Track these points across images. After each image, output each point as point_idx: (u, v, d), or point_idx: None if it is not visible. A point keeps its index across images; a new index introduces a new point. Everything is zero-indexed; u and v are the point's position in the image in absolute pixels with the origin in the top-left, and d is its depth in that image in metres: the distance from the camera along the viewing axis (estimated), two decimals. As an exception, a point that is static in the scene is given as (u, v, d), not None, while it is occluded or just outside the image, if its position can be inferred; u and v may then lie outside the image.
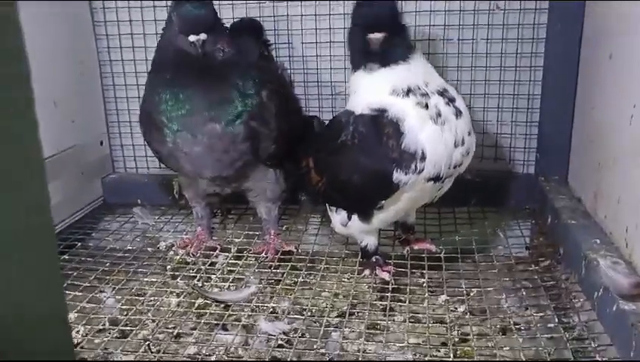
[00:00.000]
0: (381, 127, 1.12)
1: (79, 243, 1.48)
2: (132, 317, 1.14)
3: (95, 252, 1.43)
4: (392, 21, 1.16)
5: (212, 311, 1.16)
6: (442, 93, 1.15)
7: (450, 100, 1.16)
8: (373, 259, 1.30)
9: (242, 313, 1.15)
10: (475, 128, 1.54)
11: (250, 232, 1.51)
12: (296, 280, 1.28)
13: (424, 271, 1.31)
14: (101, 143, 1.75)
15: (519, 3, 1.51)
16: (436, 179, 1.15)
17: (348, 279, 1.29)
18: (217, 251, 1.42)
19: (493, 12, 1.53)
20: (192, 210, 1.49)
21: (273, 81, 1.32)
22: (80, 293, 1.22)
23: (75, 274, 1.30)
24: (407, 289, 1.23)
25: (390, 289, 1.23)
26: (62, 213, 1.54)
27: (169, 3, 1.61)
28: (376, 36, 1.13)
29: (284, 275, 1.31)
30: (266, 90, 1.27)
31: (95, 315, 1.15)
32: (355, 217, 1.24)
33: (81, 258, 1.39)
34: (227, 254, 1.40)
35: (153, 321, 1.14)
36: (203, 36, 1.19)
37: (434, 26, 1.57)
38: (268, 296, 1.23)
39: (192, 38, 1.18)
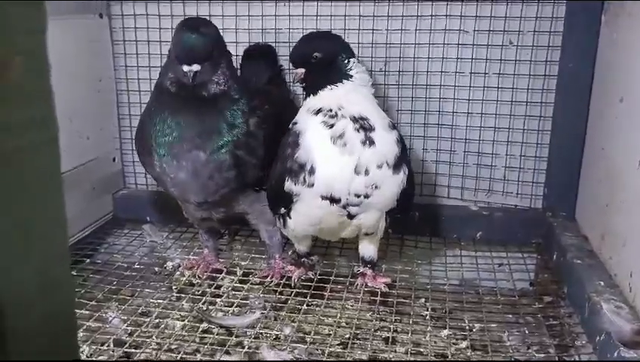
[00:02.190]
0: (288, 137, 1.23)
1: (88, 260, 1.50)
2: (136, 339, 1.15)
3: (103, 269, 1.45)
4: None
5: (216, 336, 1.17)
6: (357, 119, 1.20)
7: (365, 128, 1.19)
8: (302, 261, 1.41)
9: (245, 338, 1.16)
10: (480, 161, 1.60)
11: (257, 255, 1.53)
12: (300, 307, 1.29)
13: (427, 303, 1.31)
14: (114, 160, 1.78)
15: (532, 39, 1.52)
16: (334, 200, 1.19)
17: (352, 306, 1.30)
18: (223, 274, 1.43)
19: (507, 47, 1.55)
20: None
21: (266, 108, 1.32)
22: (86, 311, 1.24)
23: (82, 291, 1.32)
24: (410, 321, 1.23)
25: (393, 319, 1.24)
26: (72, 228, 1.55)
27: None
28: (297, 72, 1.29)
29: (289, 300, 1.31)
30: (255, 117, 1.28)
31: (100, 335, 1.16)
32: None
33: (89, 274, 1.41)
34: (233, 277, 1.42)
35: (157, 343, 1.15)
36: (195, 67, 1.19)
37: (446, 58, 1.58)
38: (271, 319, 1.24)
39: (185, 68, 1.20)
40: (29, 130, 0.39)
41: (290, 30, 1.64)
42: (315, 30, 1.57)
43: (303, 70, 1.29)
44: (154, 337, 1.16)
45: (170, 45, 1.27)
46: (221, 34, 1.30)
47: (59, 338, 0.44)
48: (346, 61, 1.27)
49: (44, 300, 0.42)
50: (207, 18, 1.65)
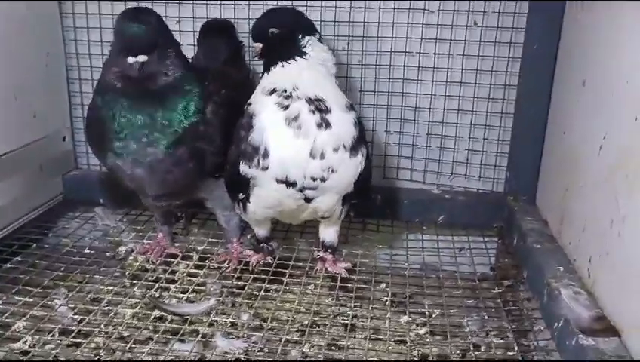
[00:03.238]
0: (242, 118, 1.19)
1: (35, 244, 1.44)
2: (85, 327, 1.10)
3: (51, 254, 1.39)
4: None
5: (169, 323, 1.13)
6: (313, 101, 1.16)
7: (320, 110, 1.16)
8: (262, 246, 1.38)
9: (201, 325, 1.13)
10: (443, 144, 1.58)
11: (214, 239, 1.48)
12: (258, 293, 1.25)
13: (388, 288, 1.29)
14: (64, 139, 1.69)
15: (497, 20, 1.50)
16: (290, 184, 1.16)
17: (311, 291, 1.27)
18: (178, 259, 1.38)
19: (471, 28, 1.52)
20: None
21: (223, 93, 1.27)
22: (31, 299, 1.18)
23: (27, 277, 1.26)
24: (370, 306, 1.21)
25: (353, 305, 1.21)
26: (18, 211, 1.48)
27: (141, -4, 1.60)
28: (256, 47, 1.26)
29: (246, 286, 1.28)
30: (211, 104, 1.22)
31: (46, 323, 1.10)
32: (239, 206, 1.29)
33: (35, 260, 1.35)
34: (188, 262, 1.37)
35: (107, 332, 1.10)
36: (141, 58, 1.12)
37: (410, 38, 1.55)
38: (228, 306, 1.20)
39: (130, 59, 1.12)
40: None
41: (250, 6, 1.57)
42: (276, 6, 1.51)
43: (261, 45, 1.25)
44: (103, 325, 1.11)
45: (112, 38, 1.20)
46: (164, 22, 1.22)
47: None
48: (302, 38, 1.22)
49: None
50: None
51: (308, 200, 1.20)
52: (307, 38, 1.22)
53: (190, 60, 1.34)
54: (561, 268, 1.15)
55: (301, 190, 1.17)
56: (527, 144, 1.52)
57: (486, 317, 1.20)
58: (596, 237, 1.07)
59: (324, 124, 1.15)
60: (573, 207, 1.23)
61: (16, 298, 1.18)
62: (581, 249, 1.14)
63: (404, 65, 1.57)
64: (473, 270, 1.39)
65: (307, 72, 1.20)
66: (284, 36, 1.22)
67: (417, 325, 1.19)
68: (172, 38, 1.24)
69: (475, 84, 1.55)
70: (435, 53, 1.55)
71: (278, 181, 1.16)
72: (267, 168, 1.15)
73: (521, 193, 1.54)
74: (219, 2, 1.59)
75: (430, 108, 1.59)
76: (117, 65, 1.16)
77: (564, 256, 1.21)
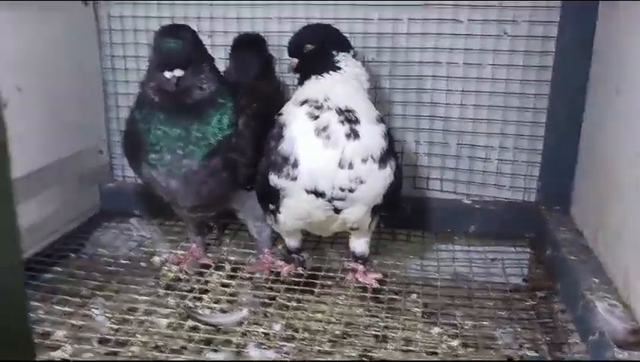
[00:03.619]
0: (273, 128, 1.21)
1: (73, 254, 1.48)
2: (121, 336, 1.13)
3: (88, 264, 1.43)
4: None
5: (203, 333, 1.15)
6: (342, 111, 1.17)
7: (350, 121, 1.16)
8: (293, 257, 1.39)
9: (233, 335, 1.14)
10: (473, 154, 1.58)
11: (246, 250, 1.50)
12: (289, 303, 1.26)
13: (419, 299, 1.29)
14: (100, 152, 1.74)
15: (526, 29, 1.49)
16: (319, 194, 1.17)
17: (342, 302, 1.28)
18: (211, 269, 1.40)
19: (500, 37, 1.51)
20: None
21: (254, 106, 1.29)
22: (70, 308, 1.21)
23: (66, 287, 1.30)
24: (402, 317, 1.21)
25: (384, 316, 1.22)
26: (57, 222, 1.52)
27: (175, 13, 1.64)
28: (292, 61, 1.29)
29: (278, 296, 1.29)
30: (244, 116, 1.25)
31: (84, 332, 1.14)
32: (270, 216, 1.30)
33: (74, 270, 1.38)
34: (221, 273, 1.39)
35: (143, 341, 1.12)
36: (178, 72, 1.15)
37: (438, 49, 1.55)
38: (260, 316, 1.22)
39: (167, 74, 1.16)
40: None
41: (280, 20, 1.60)
42: (306, 21, 1.53)
43: (296, 60, 1.28)
44: (139, 334, 1.14)
45: (151, 53, 1.24)
46: (200, 38, 1.25)
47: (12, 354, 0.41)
48: (336, 53, 1.24)
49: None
50: (198, 8, 1.64)
51: (337, 211, 1.21)
52: (341, 53, 1.24)
53: (222, 73, 1.37)
54: (596, 280, 1.13)
55: (330, 201, 1.18)
56: (559, 153, 1.50)
57: (519, 329, 1.19)
58: (632, 248, 1.05)
59: (353, 134, 1.16)
60: (608, 217, 1.21)
61: (56, 307, 1.22)
62: (617, 260, 1.12)
63: (432, 76, 1.57)
64: (505, 281, 1.38)
65: (340, 85, 1.21)
66: (318, 51, 1.25)
67: (449, 336, 1.17)
68: (206, 52, 1.27)
69: (505, 93, 1.55)
70: (464, 63, 1.55)
71: (308, 191, 1.18)
72: (296, 178, 1.17)
73: (554, 203, 1.52)
74: (250, 17, 1.62)
75: (459, 117, 1.59)
76: (154, 80, 1.19)
77: (600, 267, 1.19)
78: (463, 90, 1.57)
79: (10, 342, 0.41)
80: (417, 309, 1.25)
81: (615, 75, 1.23)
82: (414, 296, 1.31)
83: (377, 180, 1.19)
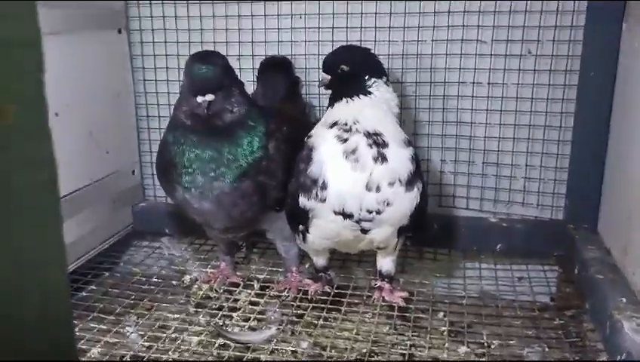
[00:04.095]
0: (302, 151, 1.24)
1: (107, 273, 1.52)
2: (154, 354, 1.16)
3: (121, 282, 1.47)
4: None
5: (232, 351, 1.17)
6: (371, 135, 1.19)
7: (378, 144, 1.18)
8: (320, 275, 1.40)
9: (262, 353, 1.16)
10: (499, 172, 1.58)
11: (274, 268, 1.53)
12: (317, 321, 1.28)
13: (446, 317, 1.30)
14: (133, 172, 1.80)
15: (551, 48, 1.50)
16: (347, 216, 1.19)
17: (369, 320, 1.29)
18: (240, 287, 1.43)
19: (525, 57, 1.52)
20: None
21: (284, 129, 1.32)
22: (104, 326, 1.25)
23: (100, 306, 1.34)
24: (428, 336, 1.22)
25: (411, 334, 1.23)
26: (92, 242, 1.57)
27: (204, 38, 1.70)
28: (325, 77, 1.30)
29: (305, 314, 1.31)
30: (273, 140, 1.28)
31: (118, 349, 1.17)
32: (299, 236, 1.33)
33: (108, 288, 1.43)
34: (250, 291, 1.42)
35: (174, 358, 1.15)
36: (209, 97, 1.19)
37: (464, 69, 1.57)
38: (288, 333, 1.24)
39: (199, 99, 1.20)
40: (28, 170, 0.39)
41: (306, 43, 1.64)
42: (336, 42, 1.56)
43: (328, 77, 1.30)
44: (171, 352, 1.17)
45: (183, 79, 1.28)
46: (230, 64, 1.29)
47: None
48: (369, 80, 1.26)
49: (42, 337, 0.42)
50: (225, 32, 1.68)
51: (364, 231, 1.23)
52: (373, 79, 1.26)
53: (250, 96, 1.41)
54: (624, 299, 1.12)
55: (358, 222, 1.20)
56: (586, 171, 1.50)
57: (547, 349, 1.18)
58: (660, 267, 1.05)
59: (381, 157, 1.18)
60: (636, 235, 1.20)
61: (91, 325, 1.26)
62: (645, 279, 1.12)
63: (458, 95, 1.59)
64: (533, 299, 1.37)
65: (369, 110, 1.24)
66: (352, 74, 1.27)
67: (476, 355, 1.18)
68: (236, 77, 1.31)
69: (531, 111, 1.55)
70: (488, 83, 1.56)
71: (336, 213, 1.20)
72: (325, 200, 1.19)
73: (581, 221, 1.51)
74: (276, 41, 1.66)
75: (485, 136, 1.60)
76: (187, 104, 1.24)
77: (628, 286, 1.19)
78: (488, 109, 1.58)
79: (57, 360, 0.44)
80: (444, 328, 1.26)
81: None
82: (441, 314, 1.32)
83: (404, 202, 1.21)
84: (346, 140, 1.19)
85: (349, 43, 1.53)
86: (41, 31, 0.39)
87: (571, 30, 1.48)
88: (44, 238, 0.42)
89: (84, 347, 1.18)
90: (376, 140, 1.19)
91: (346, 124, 1.21)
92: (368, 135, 1.19)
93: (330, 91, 1.31)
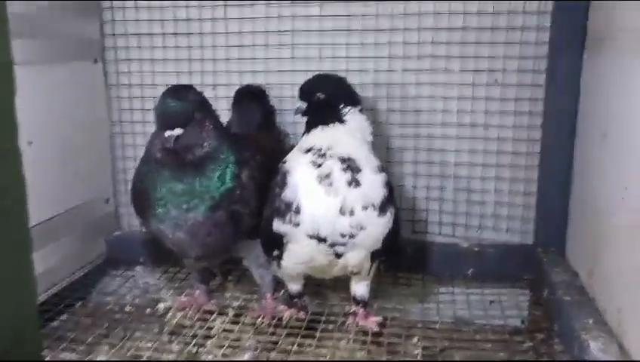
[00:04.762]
0: (276, 176, 1.26)
1: (79, 303, 1.50)
2: (125, 384, 1.15)
3: (94, 312, 1.46)
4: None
5: (205, 379, 1.17)
6: (345, 160, 1.22)
7: (352, 169, 1.21)
8: (295, 301, 1.41)
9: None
10: (469, 197, 1.62)
11: (248, 296, 1.53)
12: (291, 348, 1.28)
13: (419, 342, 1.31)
14: (107, 201, 1.79)
15: (516, 78, 1.56)
16: (321, 240, 1.21)
17: (344, 346, 1.30)
18: (215, 315, 1.43)
19: (492, 86, 1.58)
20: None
21: (257, 158, 1.34)
22: (76, 355, 1.24)
23: (72, 336, 1.32)
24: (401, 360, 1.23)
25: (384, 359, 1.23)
26: (65, 271, 1.56)
27: (179, 68, 1.72)
28: (300, 106, 1.33)
29: (280, 341, 1.31)
30: (247, 169, 1.29)
31: (88, 380, 1.16)
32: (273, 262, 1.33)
33: (80, 318, 1.42)
34: (224, 318, 1.41)
35: (146, 388, 1.14)
36: (177, 131, 1.21)
37: (432, 97, 1.61)
38: (264, 360, 1.24)
39: (166, 133, 1.21)
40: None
41: (280, 72, 1.67)
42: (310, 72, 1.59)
43: (305, 104, 1.32)
44: (142, 381, 1.16)
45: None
46: (204, 96, 1.31)
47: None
48: (344, 108, 1.29)
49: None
50: (201, 62, 1.71)
51: (338, 255, 1.24)
52: (349, 107, 1.29)
53: (225, 125, 1.43)
54: (591, 320, 1.15)
55: (332, 246, 1.22)
56: (553, 196, 1.54)
57: (519, 371, 1.20)
58: (625, 287, 1.08)
59: (354, 182, 1.20)
60: (602, 257, 1.24)
61: (61, 355, 1.24)
62: (611, 300, 1.15)
63: (428, 123, 1.63)
64: (504, 323, 1.40)
65: (344, 136, 1.26)
66: (328, 102, 1.30)
67: (449, 379, 1.19)
68: (210, 110, 1.32)
69: (498, 138, 1.60)
70: (458, 110, 1.61)
71: (310, 236, 1.21)
72: (299, 224, 1.21)
73: (550, 245, 1.55)
74: (251, 71, 1.69)
75: (455, 162, 1.64)
76: (158, 139, 1.25)
77: (595, 308, 1.22)
78: (457, 136, 1.62)
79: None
80: (417, 351, 1.27)
81: (602, 120, 1.28)
82: (415, 339, 1.33)
83: (377, 227, 1.23)
84: (320, 165, 1.22)
85: (321, 72, 1.56)
86: (12, 54, 0.40)
87: (534, 60, 1.54)
88: (12, 262, 0.43)
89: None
90: (350, 165, 1.21)
91: (320, 150, 1.24)
92: (342, 160, 1.22)
93: (304, 119, 1.33)
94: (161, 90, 1.61)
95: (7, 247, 0.42)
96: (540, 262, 1.51)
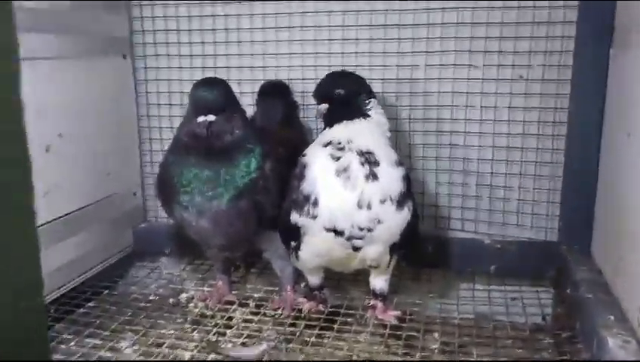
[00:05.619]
0: (296, 168, 1.27)
1: (106, 291, 1.55)
2: (146, 369, 1.18)
3: (119, 300, 1.50)
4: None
5: (224, 367, 1.19)
6: (363, 153, 1.22)
7: (370, 163, 1.21)
8: (314, 294, 1.42)
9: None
10: (492, 194, 1.61)
11: (270, 287, 1.55)
12: (310, 339, 1.30)
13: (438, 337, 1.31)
14: (134, 194, 1.83)
15: (541, 73, 1.53)
16: (338, 233, 1.21)
17: (362, 339, 1.30)
18: (235, 305, 1.45)
19: (516, 81, 1.56)
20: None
21: (280, 151, 1.36)
22: (100, 341, 1.28)
23: (98, 322, 1.36)
24: (419, 354, 1.23)
25: (402, 352, 1.23)
26: (93, 261, 1.61)
27: (205, 64, 1.75)
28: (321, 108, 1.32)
29: (299, 332, 1.32)
30: (270, 161, 1.31)
31: (110, 364, 1.19)
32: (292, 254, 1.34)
33: (106, 306, 1.46)
34: (245, 309, 1.44)
35: (167, 374, 1.17)
36: (210, 117, 1.24)
37: (455, 92, 1.61)
38: (282, 351, 1.25)
39: (199, 119, 1.25)
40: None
41: (303, 68, 1.69)
42: (332, 67, 1.60)
43: (326, 106, 1.32)
44: (164, 367, 1.19)
45: (187, 103, 1.33)
46: (232, 90, 1.34)
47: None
48: (366, 100, 1.30)
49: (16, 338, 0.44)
50: (226, 58, 1.74)
51: (356, 249, 1.25)
52: (371, 100, 1.30)
53: (249, 120, 1.45)
54: (612, 318, 1.13)
55: (349, 239, 1.23)
56: (578, 193, 1.51)
57: (536, 367, 1.19)
58: (647, 285, 1.06)
59: (372, 176, 1.21)
60: (626, 255, 1.21)
61: (86, 340, 1.28)
62: (632, 297, 1.13)
63: (451, 119, 1.62)
64: (525, 320, 1.38)
65: (365, 130, 1.27)
66: (349, 97, 1.30)
67: (466, 373, 1.19)
68: (237, 102, 1.36)
69: (522, 134, 1.58)
70: (481, 106, 1.60)
71: (327, 230, 1.22)
72: (316, 217, 1.22)
73: (574, 242, 1.52)
74: (275, 66, 1.71)
75: (478, 158, 1.63)
76: (188, 125, 1.29)
77: (617, 305, 1.19)
78: (480, 132, 1.61)
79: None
80: (435, 346, 1.27)
81: (627, 118, 1.26)
82: (434, 334, 1.32)
83: (395, 220, 1.23)
84: (338, 158, 1.22)
85: (343, 68, 1.57)
86: (16, 38, 0.42)
87: (561, 55, 1.52)
88: (20, 263, 0.44)
89: (78, 361, 1.21)
90: (369, 158, 1.22)
91: (339, 143, 1.24)
92: (361, 153, 1.22)
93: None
94: (187, 85, 1.66)
95: (16, 248, 0.43)
96: (563, 259, 1.49)
